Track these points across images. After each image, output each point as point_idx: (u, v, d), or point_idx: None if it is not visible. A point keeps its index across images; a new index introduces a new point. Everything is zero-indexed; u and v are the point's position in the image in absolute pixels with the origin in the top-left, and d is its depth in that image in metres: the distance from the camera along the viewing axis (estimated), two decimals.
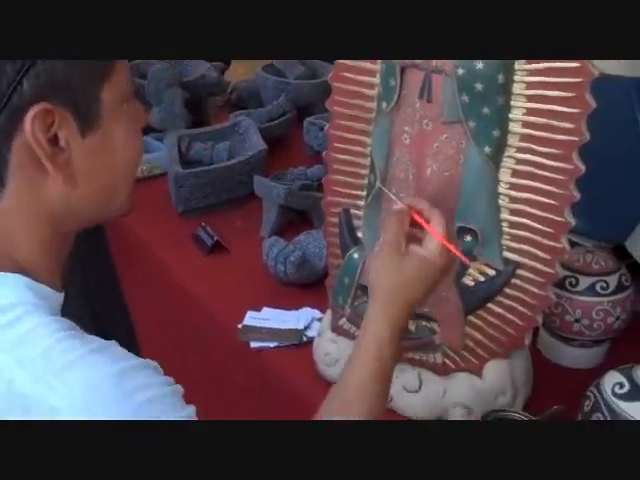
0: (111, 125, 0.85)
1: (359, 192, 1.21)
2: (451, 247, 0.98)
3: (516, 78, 1.01)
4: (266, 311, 1.46)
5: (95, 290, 1.92)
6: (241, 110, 2.18)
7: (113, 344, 0.82)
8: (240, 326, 1.42)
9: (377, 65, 1.13)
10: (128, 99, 0.88)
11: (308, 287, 1.51)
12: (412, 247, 0.98)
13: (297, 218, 1.73)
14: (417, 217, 1.00)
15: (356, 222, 1.21)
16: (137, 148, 0.91)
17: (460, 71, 1.01)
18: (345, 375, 0.97)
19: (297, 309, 1.46)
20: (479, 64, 1.00)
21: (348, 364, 0.97)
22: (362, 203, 1.20)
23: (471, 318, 1.12)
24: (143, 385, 0.78)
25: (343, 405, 0.94)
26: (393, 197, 1.07)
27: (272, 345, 1.37)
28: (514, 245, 1.08)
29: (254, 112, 2.12)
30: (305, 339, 1.37)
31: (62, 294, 0.88)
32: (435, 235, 0.97)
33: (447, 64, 1.02)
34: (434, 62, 1.04)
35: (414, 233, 1.01)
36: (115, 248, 1.89)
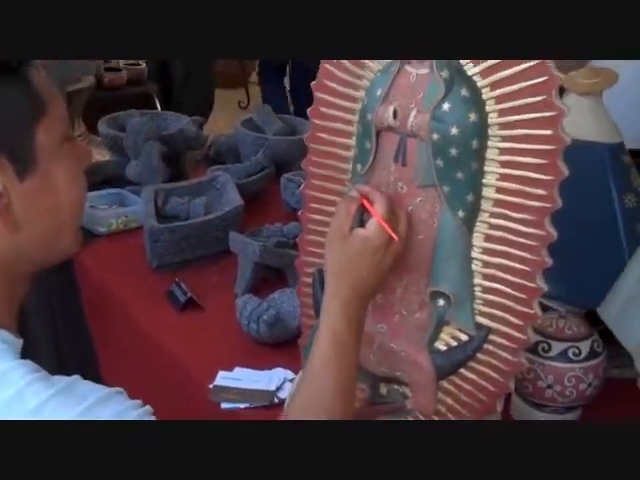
0: (50, 167, 0.85)
1: None
2: (384, 225, 1.01)
3: (490, 144, 1.02)
4: (238, 371, 1.44)
5: (62, 331, 1.90)
6: (219, 165, 2.18)
7: (78, 379, 0.83)
8: (211, 386, 1.40)
9: (353, 127, 1.14)
10: (69, 139, 0.88)
11: (281, 346, 1.50)
12: (356, 230, 1.02)
13: (272, 275, 1.72)
14: (364, 201, 1.04)
15: None
16: (79, 188, 0.91)
17: (435, 136, 1.02)
18: (306, 364, 0.99)
19: (270, 368, 1.44)
20: (453, 129, 1.01)
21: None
22: None
23: (443, 383, 1.11)
24: (117, 413, 0.80)
25: (305, 393, 0.96)
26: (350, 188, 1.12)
27: (242, 406, 1.35)
28: (487, 310, 1.07)
29: (232, 167, 2.13)
30: (277, 400, 1.36)
31: (21, 340, 0.88)
32: (374, 214, 1.01)
33: (422, 129, 1.03)
34: (409, 126, 1.04)
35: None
36: (89, 301, 1.87)
